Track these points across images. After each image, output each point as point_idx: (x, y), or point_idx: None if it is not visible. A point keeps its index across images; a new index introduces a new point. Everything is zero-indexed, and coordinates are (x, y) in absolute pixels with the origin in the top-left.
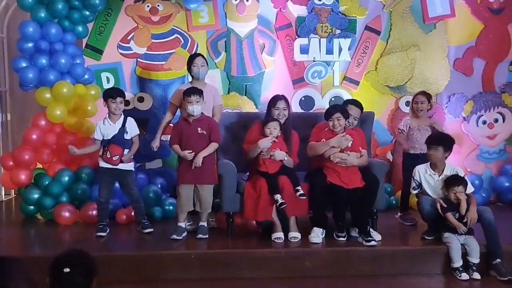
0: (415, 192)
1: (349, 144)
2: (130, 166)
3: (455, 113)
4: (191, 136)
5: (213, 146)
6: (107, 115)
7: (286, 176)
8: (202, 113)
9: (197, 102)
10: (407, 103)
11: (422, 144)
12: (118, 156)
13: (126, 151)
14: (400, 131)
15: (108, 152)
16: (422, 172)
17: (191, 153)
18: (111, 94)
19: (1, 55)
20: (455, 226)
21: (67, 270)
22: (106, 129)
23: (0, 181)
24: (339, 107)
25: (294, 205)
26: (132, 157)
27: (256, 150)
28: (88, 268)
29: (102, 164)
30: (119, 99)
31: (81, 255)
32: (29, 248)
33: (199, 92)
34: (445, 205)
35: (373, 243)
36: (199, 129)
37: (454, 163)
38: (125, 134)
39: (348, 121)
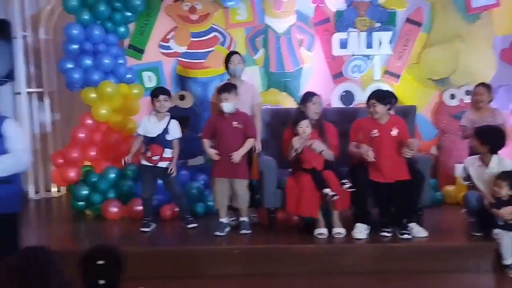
0: (465, 183)
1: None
2: (170, 165)
3: (503, 105)
4: (226, 130)
5: (250, 143)
6: (153, 112)
7: (331, 170)
8: (237, 108)
9: (226, 99)
10: (451, 96)
11: None
12: (158, 156)
13: (166, 151)
14: (463, 127)
15: (149, 151)
16: (471, 163)
17: (218, 154)
18: (154, 93)
19: (49, 57)
20: (501, 215)
21: (101, 262)
22: (150, 126)
23: (52, 178)
24: (375, 93)
25: (338, 199)
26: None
27: (292, 152)
28: (118, 263)
29: (144, 162)
30: (162, 97)
31: (113, 250)
32: (79, 242)
33: (228, 90)
34: (494, 201)
35: (406, 236)
36: (234, 123)
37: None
38: (167, 135)
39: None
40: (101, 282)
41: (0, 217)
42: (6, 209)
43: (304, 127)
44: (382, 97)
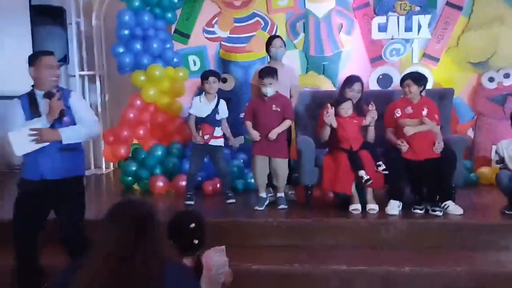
0: (498, 166)
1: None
2: (220, 142)
3: None
4: (266, 112)
5: (287, 123)
6: (204, 93)
7: (367, 151)
8: (276, 91)
9: (270, 84)
10: (490, 79)
11: None
12: (209, 135)
13: (216, 129)
14: None
15: (200, 131)
16: (505, 146)
17: (260, 135)
18: (205, 75)
19: (100, 41)
20: None
21: (193, 225)
22: (201, 106)
23: (103, 154)
24: (410, 74)
25: (373, 178)
26: (222, 134)
27: (326, 128)
28: (203, 225)
29: (195, 140)
30: (211, 79)
31: (198, 215)
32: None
33: (272, 74)
34: None
35: (438, 213)
36: (273, 106)
37: None
38: (216, 115)
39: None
40: (196, 241)
41: (71, 180)
42: (75, 172)
43: (346, 108)
44: (417, 78)
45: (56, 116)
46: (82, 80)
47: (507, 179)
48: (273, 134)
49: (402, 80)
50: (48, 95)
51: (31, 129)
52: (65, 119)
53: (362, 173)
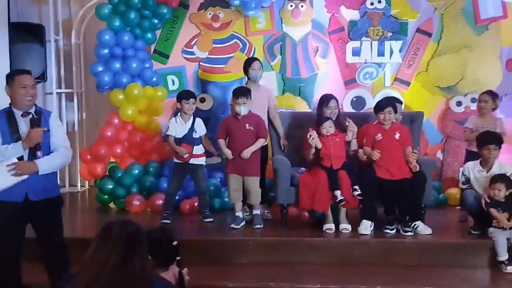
0: (463, 187)
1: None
2: (201, 161)
3: (507, 113)
4: (240, 131)
5: (261, 142)
6: (179, 114)
7: (346, 171)
8: (250, 110)
9: (243, 104)
10: (458, 103)
11: None
12: (188, 154)
13: (195, 148)
14: (466, 129)
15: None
16: (471, 168)
17: (232, 153)
18: (184, 96)
19: (79, 59)
20: (498, 220)
21: (175, 243)
22: (177, 127)
23: (80, 173)
24: (392, 102)
25: (348, 199)
26: (203, 152)
27: (311, 150)
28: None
29: (176, 160)
30: (191, 100)
31: (174, 232)
32: None
33: (245, 94)
34: (489, 201)
35: (409, 233)
36: (247, 125)
37: (506, 163)
38: (194, 133)
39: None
40: (178, 258)
41: (49, 200)
42: (52, 193)
43: (328, 127)
44: (397, 107)
45: (32, 146)
46: (59, 98)
47: (472, 198)
48: (246, 153)
49: (381, 108)
50: (32, 123)
51: (8, 165)
52: (39, 153)
53: (337, 193)
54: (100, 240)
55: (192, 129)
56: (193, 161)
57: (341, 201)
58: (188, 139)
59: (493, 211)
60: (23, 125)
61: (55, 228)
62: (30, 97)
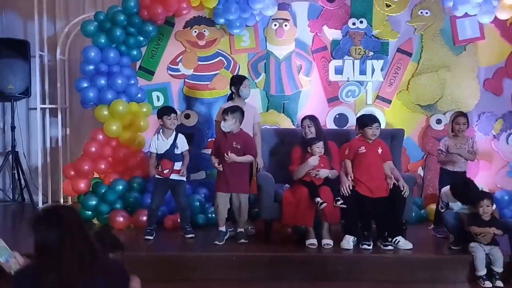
0: (442, 211)
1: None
2: (182, 177)
3: (485, 131)
4: (227, 149)
5: (248, 157)
6: (161, 131)
7: (328, 186)
8: (241, 129)
9: (225, 120)
10: (437, 121)
11: (461, 161)
12: (168, 170)
13: (176, 164)
14: (440, 152)
15: (160, 166)
16: (448, 192)
17: (220, 165)
18: (165, 112)
19: (63, 75)
20: (484, 232)
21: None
22: (159, 144)
23: (63, 189)
24: (376, 118)
25: (330, 213)
26: (185, 170)
27: (306, 168)
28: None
29: (157, 175)
30: (173, 116)
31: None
32: None
33: (232, 111)
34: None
35: (389, 248)
36: (234, 143)
37: (484, 179)
38: (175, 149)
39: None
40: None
41: None
42: None
43: (320, 147)
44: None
45: None
46: (43, 113)
47: (452, 219)
48: (230, 157)
49: (366, 123)
50: None
51: None
52: None
53: (318, 199)
54: (35, 230)
55: (174, 145)
56: (173, 176)
57: (322, 203)
58: (170, 155)
59: (474, 228)
60: None
61: None
62: None
